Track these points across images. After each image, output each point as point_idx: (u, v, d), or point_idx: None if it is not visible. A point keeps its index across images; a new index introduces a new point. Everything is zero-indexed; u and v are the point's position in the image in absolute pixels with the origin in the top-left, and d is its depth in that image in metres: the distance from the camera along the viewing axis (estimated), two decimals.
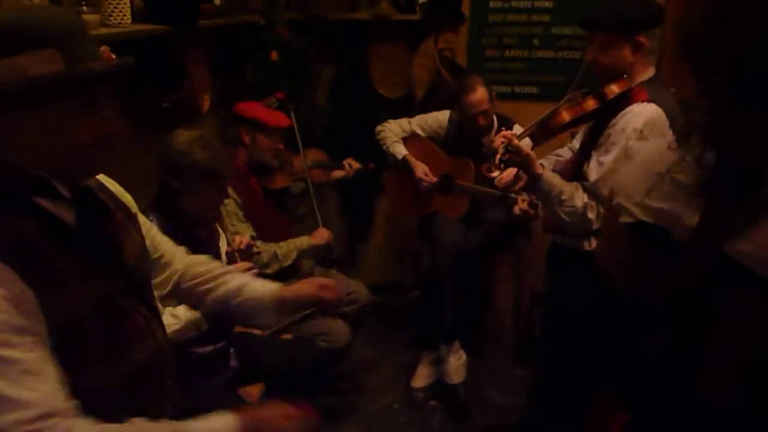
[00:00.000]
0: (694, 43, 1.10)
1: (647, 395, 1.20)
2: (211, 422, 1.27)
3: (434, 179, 3.43)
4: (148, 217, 2.15)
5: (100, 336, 1.20)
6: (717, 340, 1.07)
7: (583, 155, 2.24)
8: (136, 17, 2.38)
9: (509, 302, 3.66)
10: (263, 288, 1.74)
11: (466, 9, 3.72)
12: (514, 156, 2.08)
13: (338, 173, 3.43)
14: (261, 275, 2.50)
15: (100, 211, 1.32)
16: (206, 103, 3.04)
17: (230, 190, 2.59)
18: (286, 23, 3.48)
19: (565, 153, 2.53)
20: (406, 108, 3.80)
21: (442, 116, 3.51)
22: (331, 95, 3.99)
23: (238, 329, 2.47)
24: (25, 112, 1.12)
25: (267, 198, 3.07)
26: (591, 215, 2.13)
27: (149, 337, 1.34)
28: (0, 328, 1.05)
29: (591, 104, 2.13)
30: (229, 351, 2.37)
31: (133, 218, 1.45)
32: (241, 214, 2.72)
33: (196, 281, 1.70)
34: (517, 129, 3.11)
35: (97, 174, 1.34)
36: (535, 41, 3.78)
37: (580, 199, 2.13)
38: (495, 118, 3.34)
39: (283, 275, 2.84)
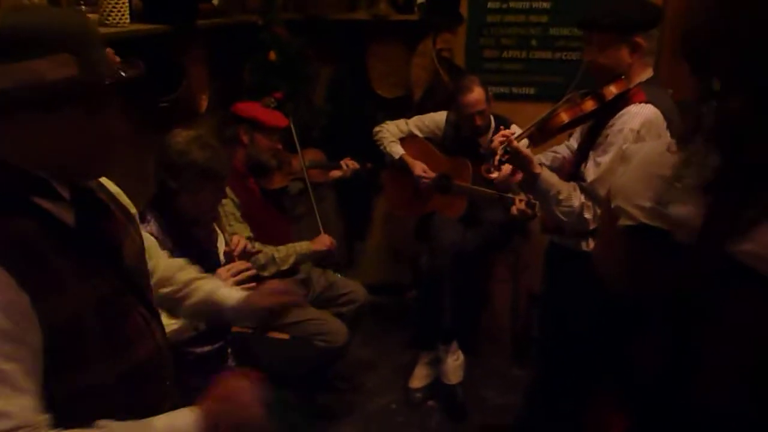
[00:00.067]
0: (696, 43, 1.10)
1: (646, 396, 1.20)
2: (174, 419, 1.26)
3: (433, 174, 3.43)
4: (146, 217, 2.17)
5: (100, 336, 1.20)
6: (718, 340, 1.08)
7: (580, 156, 2.24)
8: (135, 17, 2.38)
9: (507, 302, 3.66)
10: (230, 295, 1.81)
11: (464, 9, 3.73)
12: (512, 157, 2.08)
13: (336, 173, 3.43)
14: (258, 276, 2.52)
15: (100, 211, 1.32)
16: (204, 103, 3.04)
17: (228, 190, 2.59)
18: (284, 23, 3.48)
19: (563, 150, 2.54)
20: (404, 108, 3.80)
21: (440, 117, 3.51)
22: (330, 95, 3.99)
23: (235, 329, 2.47)
24: (35, 115, 1.12)
25: (265, 198, 3.07)
26: (588, 215, 2.14)
27: (149, 338, 1.33)
28: None
29: (589, 105, 2.13)
30: (226, 351, 2.36)
31: (132, 218, 1.45)
32: (238, 214, 2.71)
33: (172, 288, 1.75)
34: (515, 129, 3.12)
35: (100, 176, 1.34)
36: (533, 42, 3.79)
37: (577, 199, 2.13)
38: (492, 118, 3.35)
39: (280, 275, 2.84)
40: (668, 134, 2.02)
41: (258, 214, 2.88)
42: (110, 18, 2.22)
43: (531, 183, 2.15)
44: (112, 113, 1.21)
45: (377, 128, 3.57)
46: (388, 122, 3.58)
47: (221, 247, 2.40)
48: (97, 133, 1.19)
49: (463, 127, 3.35)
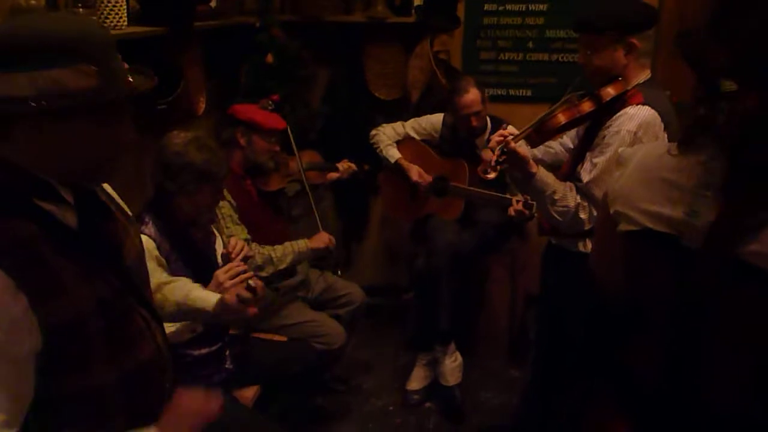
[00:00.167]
0: (700, 42, 1.09)
1: (647, 398, 1.20)
2: None
3: (430, 178, 3.44)
4: (144, 219, 2.16)
5: (102, 337, 1.20)
6: (723, 341, 1.07)
7: (577, 156, 2.25)
8: (132, 19, 2.38)
9: (504, 303, 3.67)
10: (206, 298, 1.91)
11: (461, 12, 3.74)
12: (510, 157, 2.09)
13: (333, 175, 3.42)
14: (256, 277, 2.52)
15: (102, 213, 1.32)
16: (202, 105, 3.03)
17: (225, 193, 2.59)
18: (281, 25, 3.48)
19: (556, 145, 2.54)
20: (401, 110, 3.81)
21: (436, 119, 3.52)
22: (326, 97, 3.99)
23: (232, 331, 2.47)
24: (54, 123, 1.13)
25: (262, 200, 3.07)
26: (583, 215, 2.14)
27: (150, 339, 1.34)
28: None
29: (587, 106, 2.14)
30: (224, 353, 2.36)
31: (131, 220, 1.45)
32: (236, 216, 2.71)
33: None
34: (512, 130, 3.13)
35: (105, 181, 1.36)
36: (530, 44, 3.80)
37: (573, 199, 2.14)
38: (488, 119, 3.35)
39: (277, 278, 2.84)
40: (666, 136, 2.03)
41: (255, 216, 2.88)
42: (108, 20, 2.22)
43: (527, 182, 2.15)
44: (124, 122, 1.23)
45: (374, 131, 3.58)
46: (384, 125, 3.58)
47: (219, 249, 2.40)
48: (108, 141, 1.20)
49: (460, 129, 3.36)
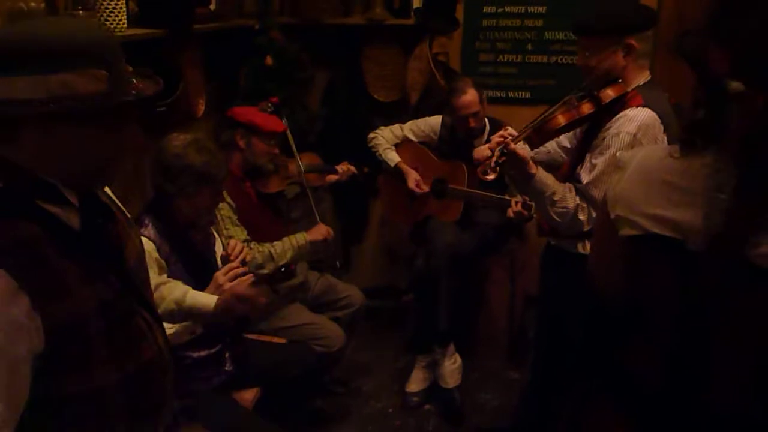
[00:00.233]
0: (706, 44, 1.07)
1: (649, 401, 1.19)
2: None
3: (426, 189, 3.44)
4: (143, 221, 2.17)
5: (103, 339, 1.20)
6: (729, 344, 1.07)
7: (576, 157, 2.25)
8: (132, 21, 2.38)
9: (503, 305, 3.67)
10: (204, 301, 2.02)
11: (459, 14, 3.74)
12: (509, 159, 2.09)
13: (333, 177, 3.42)
14: (257, 276, 2.53)
15: (104, 214, 1.33)
16: (201, 107, 3.03)
17: (224, 194, 2.59)
18: (280, 28, 3.48)
19: (551, 145, 2.54)
20: (400, 112, 3.81)
21: (435, 121, 3.52)
22: (325, 99, 3.99)
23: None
24: (62, 126, 1.14)
25: (261, 202, 3.07)
26: (582, 217, 2.14)
27: (151, 340, 1.34)
28: None
29: (587, 108, 2.14)
30: (224, 355, 2.36)
31: (131, 221, 1.45)
32: (235, 218, 2.71)
33: None
34: (511, 132, 3.13)
35: (108, 183, 1.37)
36: (529, 46, 3.81)
37: (572, 200, 2.14)
38: (487, 120, 3.36)
39: (278, 279, 2.84)
40: (665, 138, 2.03)
41: (255, 218, 2.88)
42: (108, 22, 2.22)
43: (526, 184, 2.15)
44: (131, 126, 1.25)
45: (372, 135, 3.58)
46: (382, 128, 3.59)
47: (218, 251, 2.40)
48: (113, 145, 1.22)
49: (458, 130, 3.36)
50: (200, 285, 2.16)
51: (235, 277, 2.15)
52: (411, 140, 3.55)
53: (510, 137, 2.11)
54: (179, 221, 2.23)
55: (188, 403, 2.07)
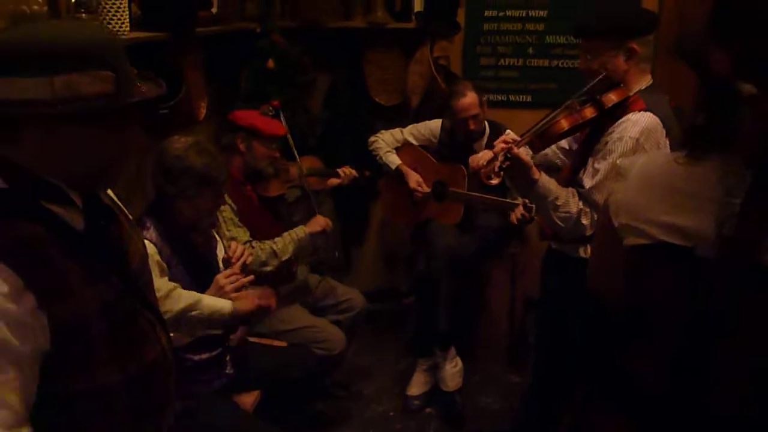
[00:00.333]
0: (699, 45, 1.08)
1: (652, 406, 1.19)
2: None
3: (427, 189, 3.45)
4: (145, 223, 2.17)
5: (108, 339, 1.21)
6: (739, 349, 1.05)
7: (578, 162, 2.25)
8: (134, 24, 2.38)
9: (504, 308, 3.67)
10: (221, 306, 2.11)
11: (461, 17, 3.74)
12: (513, 163, 2.09)
13: (334, 181, 3.43)
14: (260, 273, 2.54)
15: (107, 215, 1.33)
16: (203, 111, 3.04)
17: (226, 197, 2.59)
18: (281, 31, 3.49)
19: (550, 148, 2.54)
20: (401, 115, 3.82)
21: (435, 124, 3.53)
22: (327, 103, 4.00)
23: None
24: (67, 127, 1.15)
25: (263, 205, 3.07)
26: (585, 221, 2.14)
27: (154, 341, 1.34)
28: None
29: (589, 112, 2.14)
30: (224, 358, 2.36)
31: (133, 223, 1.46)
32: (237, 219, 2.72)
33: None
34: (512, 136, 3.13)
35: (112, 185, 1.38)
36: (530, 50, 3.81)
37: (575, 205, 2.14)
38: (486, 124, 3.36)
39: (278, 282, 2.84)
40: (667, 142, 2.03)
41: (256, 221, 2.88)
42: (110, 25, 2.22)
43: (529, 189, 2.15)
44: (134, 128, 1.26)
45: (372, 138, 3.59)
46: (383, 132, 3.60)
47: (220, 254, 2.40)
48: (117, 146, 1.22)
49: (458, 132, 3.37)
50: (201, 287, 2.16)
51: (236, 280, 2.18)
52: (411, 143, 3.56)
53: (513, 142, 2.11)
54: (180, 223, 2.24)
55: (189, 405, 2.07)
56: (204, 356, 2.29)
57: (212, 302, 2.10)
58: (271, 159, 3.00)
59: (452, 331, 3.24)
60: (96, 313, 1.19)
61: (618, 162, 1.91)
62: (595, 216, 2.12)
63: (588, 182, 2.13)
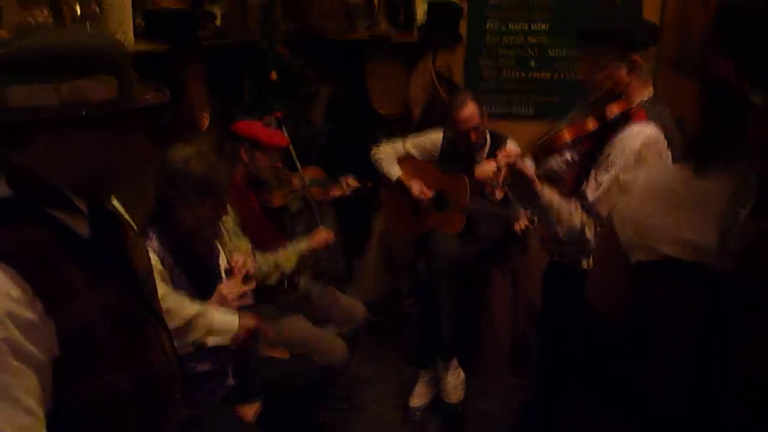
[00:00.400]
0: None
1: (656, 420, 1.18)
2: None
3: (431, 193, 3.45)
4: (148, 233, 2.17)
5: (113, 345, 1.21)
6: (748, 362, 1.04)
7: (581, 173, 2.25)
8: (138, 36, 2.40)
9: (505, 317, 3.66)
10: (228, 323, 2.15)
11: (463, 29, 3.76)
12: (516, 177, 2.09)
13: (336, 191, 3.44)
14: (263, 286, 2.54)
15: (112, 222, 1.34)
16: (205, 121, 3.05)
17: (228, 207, 2.60)
18: (284, 43, 3.51)
19: (553, 160, 2.54)
20: (403, 126, 3.83)
21: (436, 135, 3.54)
22: (329, 114, 4.01)
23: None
24: (74, 132, 1.17)
25: (265, 216, 3.07)
26: (589, 234, 2.14)
27: (159, 347, 1.35)
28: (0, 349, 1.05)
29: (591, 124, 2.14)
30: (226, 368, 2.36)
31: (137, 232, 1.47)
32: (239, 230, 2.72)
33: (175, 323, 1.86)
34: (511, 145, 3.14)
35: (117, 191, 1.39)
36: (532, 62, 3.83)
37: (578, 217, 2.14)
38: (488, 135, 3.37)
39: (281, 292, 2.84)
40: (669, 154, 2.03)
41: (258, 232, 2.88)
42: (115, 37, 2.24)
43: (532, 202, 2.15)
44: (139, 133, 1.27)
45: (374, 150, 3.60)
46: (384, 143, 3.61)
47: (222, 263, 2.40)
48: (122, 152, 1.24)
49: (458, 143, 3.37)
50: (204, 297, 2.17)
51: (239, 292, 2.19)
52: (412, 154, 3.57)
53: (516, 156, 2.11)
54: (182, 232, 2.24)
55: (192, 414, 2.07)
56: (206, 366, 2.29)
57: (221, 313, 2.13)
58: (273, 170, 3.01)
59: (454, 340, 3.23)
60: (101, 317, 1.20)
61: (621, 177, 1.91)
62: (599, 229, 2.12)
63: (591, 195, 2.13)
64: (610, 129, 2.13)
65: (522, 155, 2.13)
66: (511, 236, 3.20)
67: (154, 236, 2.18)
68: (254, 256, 2.68)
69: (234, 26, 3.39)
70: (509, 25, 3.80)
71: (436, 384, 3.34)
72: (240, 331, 2.15)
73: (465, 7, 3.68)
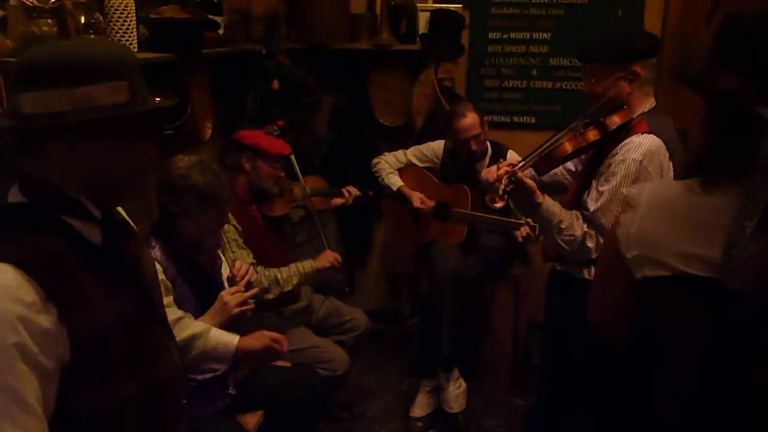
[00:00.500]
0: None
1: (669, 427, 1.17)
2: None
3: (432, 203, 3.46)
4: (150, 242, 2.18)
5: (124, 351, 1.23)
6: (757, 380, 1.04)
7: (582, 184, 2.26)
8: (142, 45, 2.41)
9: (507, 329, 3.65)
10: (227, 341, 2.14)
11: (465, 40, 3.77)
12: (517, 187, 2.09)
13: (338, 201, 3.44)
14: (261, 300, 2.53)
15: (123, 230, 1.35)
16: (208, 130, 3.06)
17: (230, 217, 2.60)
18: (287, 52, 3.52)
19: (557, 169, 2.54)
20: (406, 136, 3.84)
21: (437, 145, 3.55)
22: (331, 123, 4.02)
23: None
24: (87, 139, 1.19)
25: (267, 225, 3.08)
26: (590, 244, 2.14)
27: (167, 355, 1.36)
28: (10, 353, 1.06)
29: (593, 135, 2.15)
30: (228, 378, 2.36)
31: (143, 242, 1.48)
32: (240, 240, 2.72)
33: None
34: (512, 155, 3.15)
35: (131, 198, 1.41)
36: (533, 72, 3.84)
37: (580, 227, 2.14)
38: (489, 144, 3.38)
39: (282, 303, 2.84)
40: (671, 165, 2.04)
41: (260, 241, 2.88)
42: None
43: (533, 212, 2.16)
44: (149, 139, 1.29)
45: (375, 160, 3.61)
46: (386, 154, 3.62)
47: (224, 273, 2.40)
48: (134, 158, 1.26)
49: (459, 153, 3.38)
50: (206, 307, 2.17)
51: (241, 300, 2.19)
52: (414, 165, 3.57)
53: (518, 165, 2.11)
54: (185, 242, 2.24)
55: (193, 425, 2.06)
56: (207, 376, 2.28)
57: (219, 335, 2.12)
58: (275, 178, 3.01)
59: (455, 352, 3.22)
60: (113, 324, 1.21)
61: (624, 191, 1.91)
62: (600, 239, 2.12)
63: (592, 205, 2.13)
64: (612, 140, 2.13)
65: (523, 165, 2.14)
66: (513, 247, 3.19)
67: (157, 246, 2.19)
68: (255, 269, 2.67)
69: (237, 36, 3.40)
70: (511, 35, 3.82)
71: (438, 394, 3.33)
72: (239, 354, 2.15)
73: (467, 17, 3.69)
